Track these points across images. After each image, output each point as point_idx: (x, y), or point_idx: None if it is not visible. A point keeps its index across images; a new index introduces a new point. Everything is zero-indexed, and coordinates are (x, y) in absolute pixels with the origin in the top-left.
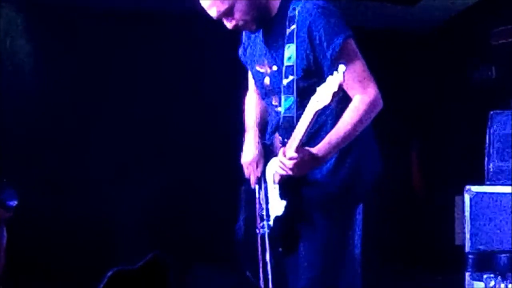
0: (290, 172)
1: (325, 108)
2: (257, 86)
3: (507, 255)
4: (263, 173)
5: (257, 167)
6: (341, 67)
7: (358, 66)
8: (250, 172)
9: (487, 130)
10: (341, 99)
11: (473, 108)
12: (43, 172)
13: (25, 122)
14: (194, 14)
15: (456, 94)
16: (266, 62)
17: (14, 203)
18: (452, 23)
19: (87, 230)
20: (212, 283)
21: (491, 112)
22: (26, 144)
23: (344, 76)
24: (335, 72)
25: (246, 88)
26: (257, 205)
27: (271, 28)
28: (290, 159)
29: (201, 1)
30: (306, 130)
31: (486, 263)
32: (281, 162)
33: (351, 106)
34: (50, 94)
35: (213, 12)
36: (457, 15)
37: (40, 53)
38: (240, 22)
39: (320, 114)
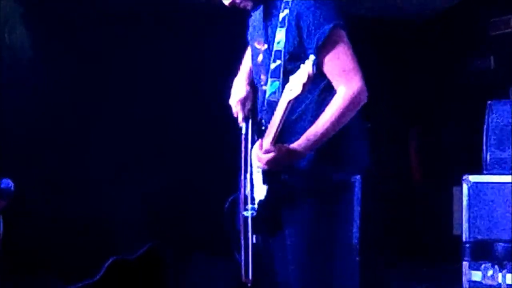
0: (265, 166)
1: (304, 97)
2: (252, 62)
3: (505, 244)
4: (251, 118)
5: (244, 106)
6: (311, 57)
7: (344, 56)
8: (238, 110)
9: (485, 120)
10: (324, 87)
11: (472, 98)
12: (43, 172)
13: (25, 122)
14: (194, 14)
15: (455, 84)
16: (262, 39)
17: (10, 190)
18: (450, 14)
19: (87, 230)
20: (210, 273)
21: (489, 102)
22: (26, 144)
23: (313, 68)
24: (306, 61)
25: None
26: (242, 187)
27: (269, 8)
28: (265, 152)
29: None
30: (281, 121)
31: (483, 252)
32: (257, 155)
33: (333, 101)
34: (50, 93)
35: None
36: (454, 6)
37: (39, 52)
38: None
39: (300, 101)
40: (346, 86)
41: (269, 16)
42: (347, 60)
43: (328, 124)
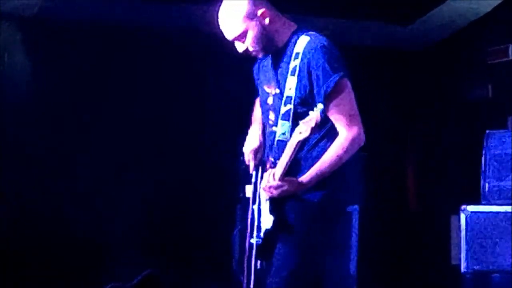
0: (274, 192)
1: (315, 139)
2: (260, 102)
3: (504, 274)
4: (261, 166)
5: (256, 156)
6: (319, 105)
7: (347, 105)
8: (250, 159)
9: (483, 150)
10: (329, 129)
11: (470, 127)
12: (43, 172)
13: (25, 122)
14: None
15: (453, 113)
16: (273, 84)
17: None
18: (447, 43)
19: (86, 230)
20: None
21: (487, 132)
22: (26, 144)
23: (320, 115)
24: (315, 108)
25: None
26: (250, 216)
27: (279, 57)
28: (274, 186)
29: (220, 24)
30: (290, 158)
31: (482, 283)
32: (266, 186)
33: (336, 142)
34: (50, 94)
35: (228, 35)
36: (452, 35)
37: (40, 53)
38: (250, 48)
39: (308, 140)
40: (348, 130)
41: (279, 64)
42: (350, 109)
43: (331, 162)
